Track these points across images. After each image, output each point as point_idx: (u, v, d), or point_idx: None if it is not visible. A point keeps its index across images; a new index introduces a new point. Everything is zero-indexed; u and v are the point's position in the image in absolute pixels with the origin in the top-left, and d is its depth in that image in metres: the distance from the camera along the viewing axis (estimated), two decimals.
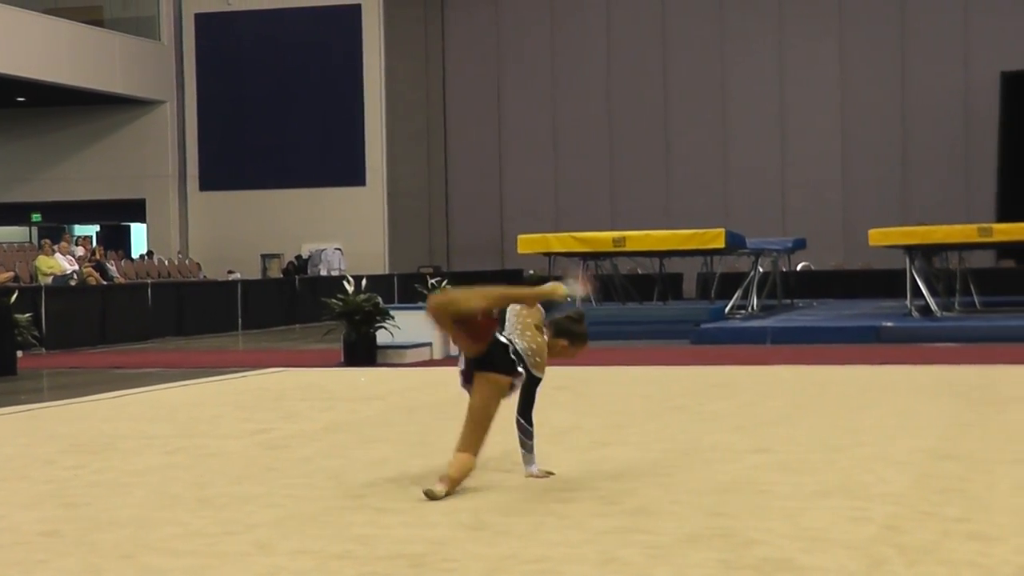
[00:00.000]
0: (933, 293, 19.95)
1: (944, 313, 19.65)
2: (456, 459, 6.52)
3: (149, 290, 22.84)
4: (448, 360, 15.92)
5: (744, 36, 32.58)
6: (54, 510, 6.29)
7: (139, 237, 35.71)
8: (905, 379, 12.16)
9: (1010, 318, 19.13)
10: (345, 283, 16.03)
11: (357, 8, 33.33)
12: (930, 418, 9.20)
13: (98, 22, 32.39)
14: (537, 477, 6.78)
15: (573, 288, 7.02)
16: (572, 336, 6.92)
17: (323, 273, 31.37)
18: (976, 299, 22.48)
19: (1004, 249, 26.65)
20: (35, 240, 33.45)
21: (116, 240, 34.82)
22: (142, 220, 34.64)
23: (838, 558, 4.93)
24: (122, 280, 25.85)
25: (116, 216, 35.81)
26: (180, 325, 22.86)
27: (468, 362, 6.68)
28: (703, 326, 18.69)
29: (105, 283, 23.88)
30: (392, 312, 15.66)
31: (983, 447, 7.73)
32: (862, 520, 5.62)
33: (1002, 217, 27.23)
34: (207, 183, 34.03)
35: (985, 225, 20.84)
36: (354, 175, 33.37)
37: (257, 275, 32.09)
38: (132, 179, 33.66)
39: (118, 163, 33.58)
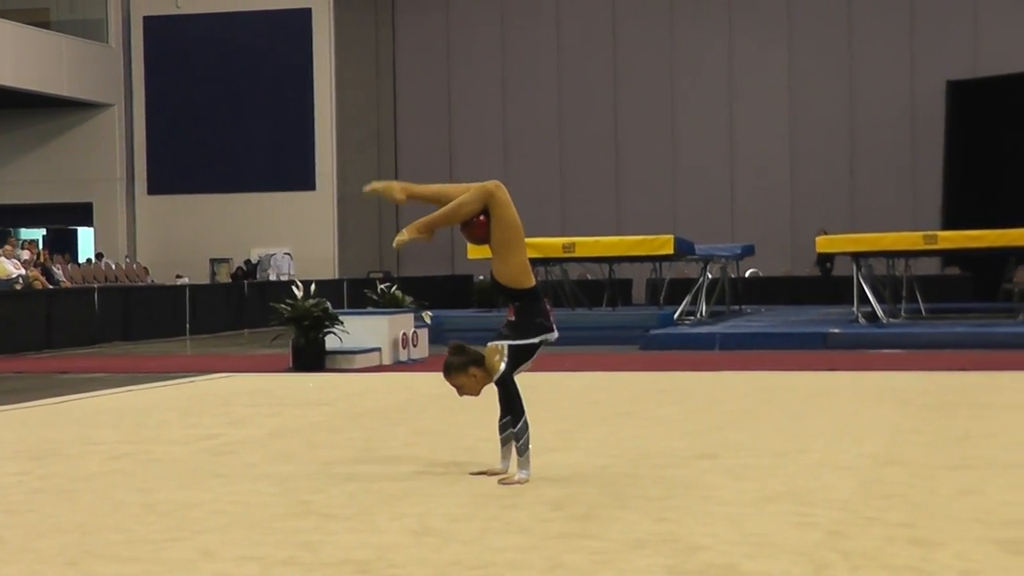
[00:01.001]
0: (880, 300, 20.12)
1: (891, 320, 19.83)
2: None
3: (96, 294, 22.66)
4: (398, 366, 15.90)
5: (693, 43, 32.76)
6: None
7: (86, 241, 35.44)
8: (851, 385, 12.25)
9: (955, 324, 19.32)
10: (294, 288, 15.97)
11: (307, 12, 33.24)
12: (875, 424, 9.28)
13: (44, 24, 32.13)
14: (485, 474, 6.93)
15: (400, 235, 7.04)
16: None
17: (272, 278, 31.25)
18: (922, 306, 22.70)
19: (949, 256, 26.92)
20: None
21: (63, 244, 34.55)
22: (89, 224, 34.39)
23: (782, 563, 4.96)
24: (68, 284, 25.65)
25: (63, 220, 35.54)
26: (127, 330, 22.70)
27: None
28: (652, 332, 18.76)
29: (51, 287, 23.67)
30: (341, 317, 15.60)
31: (927, 453, 7.81)
32: (807, 526, 5.65)
33: (947, 225, 27.48)
34: (155, 187, 33.82)
35: (931, 233, 21.03)
36: (304, 180, 33.27)
37: (206, 280, 31.92)
38: (79, 182, 33.40)
39: (65, 166, 33.32)
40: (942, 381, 12.52)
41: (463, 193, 7.04)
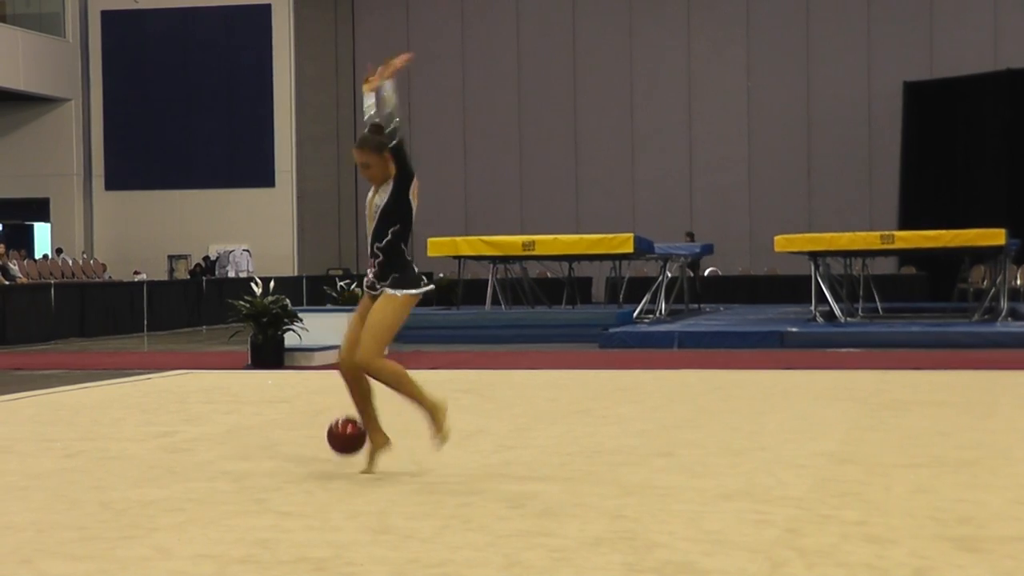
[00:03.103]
0: (837, 299, 20.23)
1: (847, 319, 19.92)
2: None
3: (52, 290, 22.49)
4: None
5: (652, 44, 32.82)
6: None
7: (43, 237, 35.19)
8: (808, 384, 12.31)
9: (910, 324, 19.44)
10: (253, 285, 15.90)
11: (267, 8, 33.13)
12: (831, 422, 9.32)
13: (0, 17, 31.85)
14: None
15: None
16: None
17: (231, 275, 31.12)
18: (878, 305, 22.84)
19: (905, 256, 27.11)
20: None
21: (19, 239, 34.28)
22: (46, 220, 34.14)
23: (739, 561, 4.98)
24: (24, 280, 25.45)
25: (19, 215, 35.27)
26: (84, 326, 22.54)
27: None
28: (611, 330, 18.77)
29: (7, 283, 23.48)
30: (300, 314, 15.55)
31: (881, 451, 7.85)
32: (763, 523, 5.67)
33: (903, 225, 27.70)
34: (113, 182, 33.60)
35: (887, 232, 21.15)
36: (263, 176, 33.15)
37: (164, 276, 31.75)
38: (36, 178, 33.15)
39: (21, 161, 33.05)
40: (897, 380, 12.60)
41: None
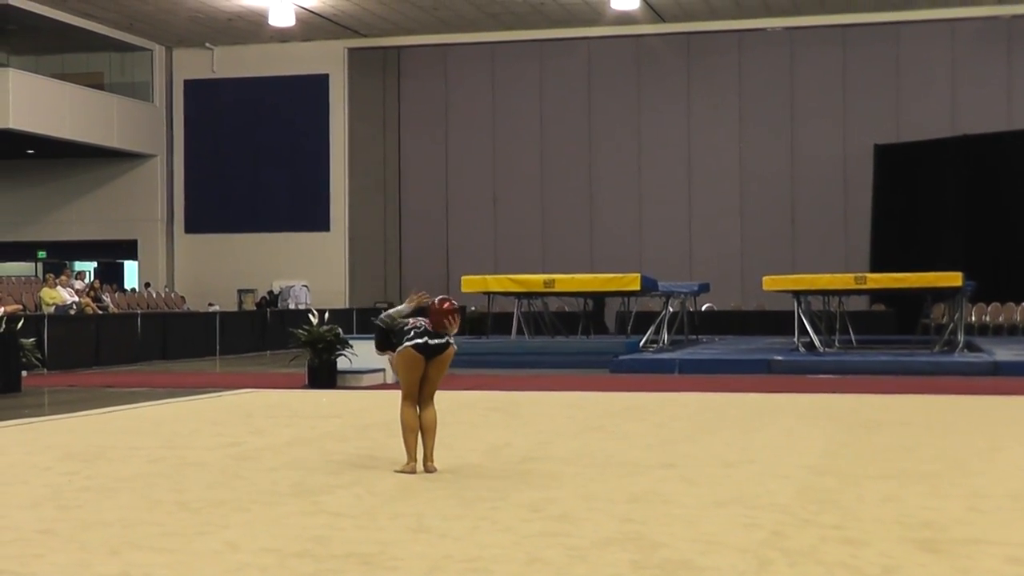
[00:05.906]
0: (817, 332, 20.14)
1: (826, 349, 19.83)
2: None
3: (139, 319, 22.59)
4: (399, 385, 15.83)
5: (657, 110, 32.86)
6: (50, 511, 6.19)
7: (132, 273, 35.38)
8: (791, 405, 12.25)
9: (880, 354, 19.33)
10: (310, 316, 15.94)
11: (325, 77, 33.35)
12: (811, 439, 9.27)
13: (99, 86, 32.16)
14: None
15: None
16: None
17: (291, 306, 31.18)
18: (853, 337, 22.72)
19: (876, 295, 27.00)
20: (40, 274, 33.03)
21: (111, 275, 34.47)
22: (134, 258, 34.33)
23: (730, 559, 4.96)
24: (115, 310, 25.56)
25: (112, 254, 35.48)
26: (165, 350, 22.61)
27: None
28: (621, 357, 18.73)
29: (100, 312, 23.59)
30: (351, 342, 15.57)
31: (855, 464, 7.80)
32: (752, 527, 5.64)
33: (875, 268, 27.60)
34: (192, 226, 33.80)
35: (860, 274, 21.08)
36: (319, 222, 33.29)
37: (234, 307, 31.83)
38: (126, 222, 33.37)
39: (114, 208, 33.30)
40: (869, 402, 12.53)
41: None
